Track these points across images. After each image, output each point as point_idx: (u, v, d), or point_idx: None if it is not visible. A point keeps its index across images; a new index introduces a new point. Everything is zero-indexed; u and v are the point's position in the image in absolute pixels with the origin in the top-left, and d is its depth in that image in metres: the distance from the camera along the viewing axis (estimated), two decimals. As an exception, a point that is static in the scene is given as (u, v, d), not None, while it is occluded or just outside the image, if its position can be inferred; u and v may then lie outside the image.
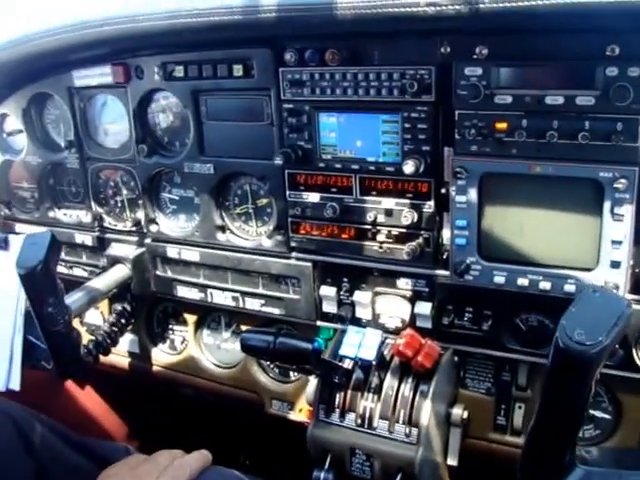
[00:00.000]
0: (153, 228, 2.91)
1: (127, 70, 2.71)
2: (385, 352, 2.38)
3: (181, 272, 2.90)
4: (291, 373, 2.89)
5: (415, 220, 2.27)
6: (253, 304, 2.74)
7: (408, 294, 2.43)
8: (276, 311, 2.70)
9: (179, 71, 2.58)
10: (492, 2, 1.85)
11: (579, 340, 1.48)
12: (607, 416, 2.38)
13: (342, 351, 2.32)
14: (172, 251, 2.86)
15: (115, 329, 3.02)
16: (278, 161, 2.34)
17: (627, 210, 2.00)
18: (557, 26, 1.92)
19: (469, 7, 1.88)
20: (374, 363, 2.31)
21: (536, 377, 2.43)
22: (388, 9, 1.98)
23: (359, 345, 2.30)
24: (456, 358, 2.45)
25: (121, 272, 2.94)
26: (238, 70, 2.44)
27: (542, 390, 1.68)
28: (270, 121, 2.46)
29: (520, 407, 2.47)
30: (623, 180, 1.97)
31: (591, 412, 2.38)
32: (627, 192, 1.99)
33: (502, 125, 2.08)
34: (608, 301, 1.56)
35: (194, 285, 2.87)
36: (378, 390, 2.33)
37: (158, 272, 2.94)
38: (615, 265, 2.07)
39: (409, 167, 2.14)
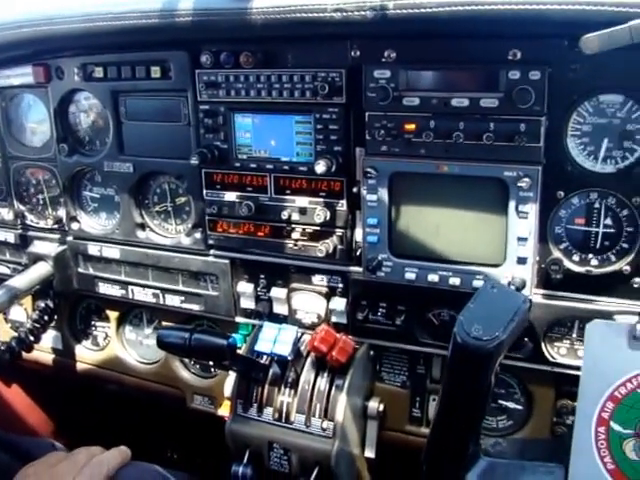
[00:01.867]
0: (74, 226, 2.90)
1: (47, 70, 2.72)
2: (302, 347, 2.43)
3: (102, 269, 2.90)
4: (212, 368, 2.91)
5: (328, 218, 2.32)
6: (173, 300, 2.76)
7: (323, 290, 2.48)
8: (196, 307, 2.72)
9: (99, 72, 2.59)
10: (396, 8, 1.90)
11: (476, 335, 1.54)
12: (519, 407, 2.45)
13: (258, 347, 2.36)
14: (93, 249, 2.86)
15: (37, 326, 3.01)
16: (194, 161, 2.37)
17: (531, 208, 2.07)
18: (461, 32, 1.98)
19: (374, 13, 1.93)
20: (290, 358, 2.35)
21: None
22: (296, 14, 2.02)
23: (275, 341, 2.36)
24: (372, 352, 2.50)
25: (43, 269, 2.92)
26: (156, 72, 2.46)
27: (443, 384, 1.75)
28: (187, 121, 2.48)
29: (434, 399, 2.53)
30: (526, 179, 2.04)
31: (503, 403, 2.46)
32: (531, 190, 2.06)
33: (411, 126, 2.14)
34: (505, 297, 1.62)
35: (115, 282, 2.88)
36: (295, 385, 2.39)
37: (80, 269, 2.94)
38: (521, 261, 2.14)
39: (320, 167, 2.19)
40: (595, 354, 1.64)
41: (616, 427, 1.65)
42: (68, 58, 2.64)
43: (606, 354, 1.63)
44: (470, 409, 1.71)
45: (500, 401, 2.46)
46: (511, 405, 2.47)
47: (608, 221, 2.13)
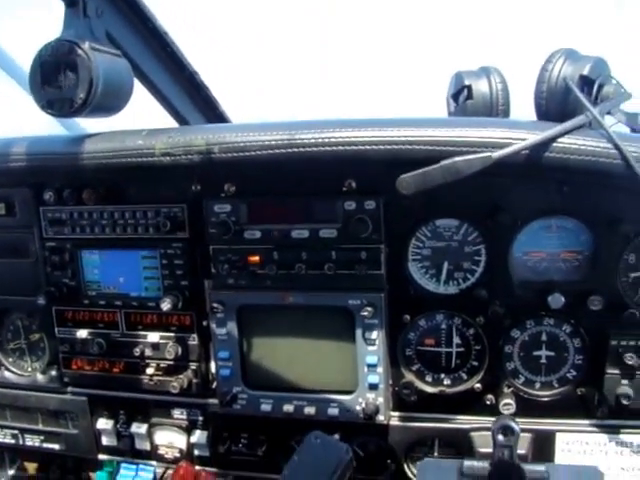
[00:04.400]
0: None
1: None
2: (164, 487, 2.35)
3: (-40, 410, 2.77)
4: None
5: (180, 353, 2.29)
6: (33, 441, 2.65)
7: (184, 424, 2.42)
8: (57, 447, 2.62)
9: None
10: (221, 152, 1.91)
11: None
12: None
13: (116, 491, 2.27)
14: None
15: None
16: (41, 301, 2.31)
17: (377, 334, 2.08)
18: (292, 166, 1.98)
19: (201, 157, 1.93)
20: (147, 501, 2.27)
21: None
22: (127, 159, 2.01)
23: (132, 483, 2.27)
24: (239, 484, 2.44)
25: None
26: (1, 209, 2.39)
27: None
28: (35, 258, 2.41)
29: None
30: (369, 308, 2.05)
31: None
32: (375, 318, 2.07)
33: (255, 258, 2.14)
34: (328, 447, 1.60)
35: (-29, 424, 2.74)
36: (157, 526, 2.29)
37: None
38: (373, 387, 2.14)
39: (166, 304, 2.16)
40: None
41: None
42: None
43: None
44: None
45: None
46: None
47: (457, 340, 2.14)
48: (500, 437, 1.58)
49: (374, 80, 3.89)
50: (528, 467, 1.60)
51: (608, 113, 1.98)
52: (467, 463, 1.61)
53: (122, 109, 2.11)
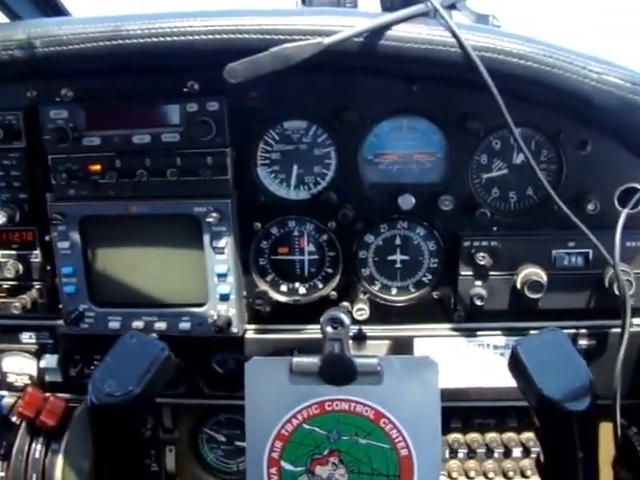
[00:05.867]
0: None
1: None
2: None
3: None
4: None
5: (22, 271, 2.16)
6: None
7: (33, 348, 2.30)
8: None
9: None
10: (44, 46, 1.78)
11: (109, 392, 1.42)
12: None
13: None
14: None
15: None
16: None
17: (226, 243, 2.01)
18: (124, 63, 1.87)
19: (23, 52, 1.80)
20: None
21: (181, 417, 2.39)
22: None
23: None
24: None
25: None
26: None
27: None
28: None
29: (171, 450, 2.41)
30: (215, 214, 1.97)
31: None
32: (222, 225, 1.99)
33: (96, 167, 2.02)
34: (144, 346, 1.51)
35: None
36: (7, 457, 2.19)
37: None
38: (224, 298, 2.07)
39: (0, 218, 2.02)
40: (257, 393, 1.56)
41: (287, 466, 1.58)
42: None
43: (268, 392, 1.56)
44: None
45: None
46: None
47: (310, 247, 2.09)
48: (329, 329, 1.52)
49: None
50: (360, 360, 1.54)
51: (453, 8, 1.93)
52: (296, 359, 1.55)
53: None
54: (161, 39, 1.75)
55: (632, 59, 1.86)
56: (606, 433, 1.90)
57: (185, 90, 1.95)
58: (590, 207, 1.94)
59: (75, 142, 2.00)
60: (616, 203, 1.97)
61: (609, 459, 1.94)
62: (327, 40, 1.65)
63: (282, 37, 1.70)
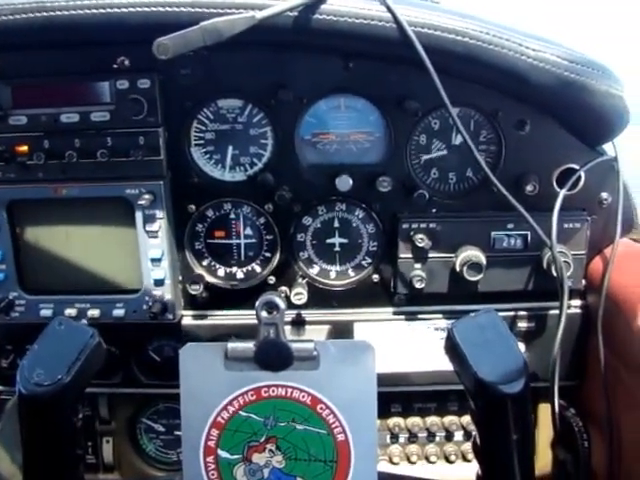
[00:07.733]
0: None
1: None
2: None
3: None
4: None
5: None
6: None
7: (-37, 339, 2.20)
8: None
9: None
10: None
11: (38, 381, 1.35)
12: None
13: None
14: None
15: None
16: None
17: (159, 226, 1.95)
18: (67, 39, 1.80)
19: None
20: None
21: (117, 407, 2.33)
22: None
23: None
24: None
25: None
26: None
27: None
28: None
29: (108, 441, 2.35)
30: (147, 195, 1.91)
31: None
32: (155, 207, 1.94)
33: (23, 148, 1.93)
34: (73, 333, 1.45)
35: None
36: None
37: None
38: (158, 283, 2.02)
39: None
40: (192, 380, 1.50)
41: (224, 454, 1.53)
42: None
43: (203, 378, 1.50)
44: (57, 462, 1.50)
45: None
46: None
47: (247, 231, 2.04)
48: (264, 314, 1.47)
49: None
50: (296, 345, 1.50)
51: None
52: (231, 345, 1.49)
53: None
54: (87, 11, 1.69)
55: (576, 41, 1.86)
56: (545, 414, 1.91)
57: (115, 66, 1.87)
58: (529, 188, 1.93)
59: (1, 121, 1.91)
60: (555, 184, 1.95)
61: (548, 440, 1.94)
62: (260, 14, 1.61)
63: (214, 11, 1.65)
